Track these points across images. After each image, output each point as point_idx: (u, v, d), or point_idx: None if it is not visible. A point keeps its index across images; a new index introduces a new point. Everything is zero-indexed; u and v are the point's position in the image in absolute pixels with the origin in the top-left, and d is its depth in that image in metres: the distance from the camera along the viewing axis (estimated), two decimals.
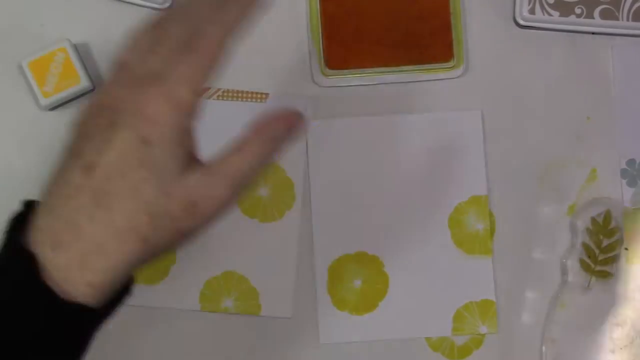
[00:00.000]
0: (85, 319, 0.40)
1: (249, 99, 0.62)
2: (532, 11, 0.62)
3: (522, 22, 0.62)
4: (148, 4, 0.62)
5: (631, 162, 0.63)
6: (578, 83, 0.63)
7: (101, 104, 0.41)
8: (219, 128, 0.62)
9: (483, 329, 0.61)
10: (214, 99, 0.62)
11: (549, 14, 0.62)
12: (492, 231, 0.62)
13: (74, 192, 0.39)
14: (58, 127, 0.62)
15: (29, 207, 0.41)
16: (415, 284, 0.61)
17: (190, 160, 0.40)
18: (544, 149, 0.63)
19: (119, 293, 0.41)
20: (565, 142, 0.63)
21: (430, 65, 0.62)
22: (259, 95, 0.62)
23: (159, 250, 0.40)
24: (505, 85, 0.63)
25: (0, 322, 0.38)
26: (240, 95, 0.62)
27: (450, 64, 0.62)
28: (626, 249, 0.60)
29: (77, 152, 0.40)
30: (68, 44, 0.60)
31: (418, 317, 0.61)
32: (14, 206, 0.60)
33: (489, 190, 0.62)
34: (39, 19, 0.62)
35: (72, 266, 0.38)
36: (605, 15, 0.62)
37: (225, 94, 0.62)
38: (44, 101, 0.60)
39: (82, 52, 0.62)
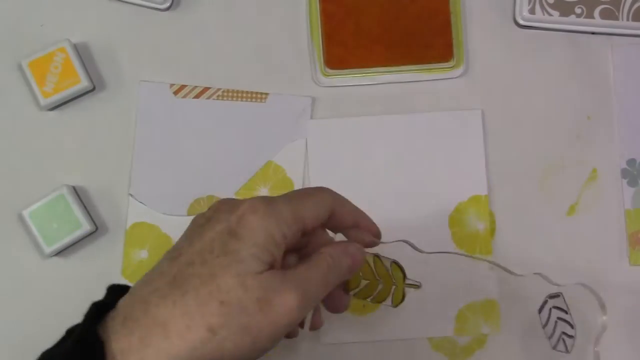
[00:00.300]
0: None
1: (249, 99, 0.62)
2: (532, 11, 0.62)
3: (522, 22, 0.62)
4: (148, 4, 0.62)
5: (631, 161, 0.63)
6: (578, 83, 0.63)
7: (205, 212, 0.44)
8: (219, 128, 0.62)
9: (485, 329, 0.61)
10: (214, 99, 0.62)
11: (549, 14, 0.62)
12: (492, 231, 0.62)
13: (156, 277, 0.42)
14: (58, 127, 0.62)
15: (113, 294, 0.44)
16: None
17: (270, 266, 0.42)
18: (544, 149, 0.63)
19: None
20: (565, 141, 0.63)
21: (430, 65, 0.62)
22: (259, 95, 0.62)
23: (227, 354, 0.40)
24: (505, 85, 0.63)
25: None
26: (240, 95, 0.62)
27: (450, 63, 0.62)
28: None
29: (171, 248, 0.43)
30: (68, 44, 0.60)
31: (420, 317, 0.61)
32: (13, 206, 0.60)
33: (489, 190, 0.62)
34: (39, 19, 0.62)
35: (134, 343, 0.39)
36: (605, 15, 0.62)
37: (225, 94, 0.62)
38: (44, 101, 0.60)
39: (82, 52, 0.62)
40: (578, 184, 0.63)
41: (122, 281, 0.60)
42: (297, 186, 0.62)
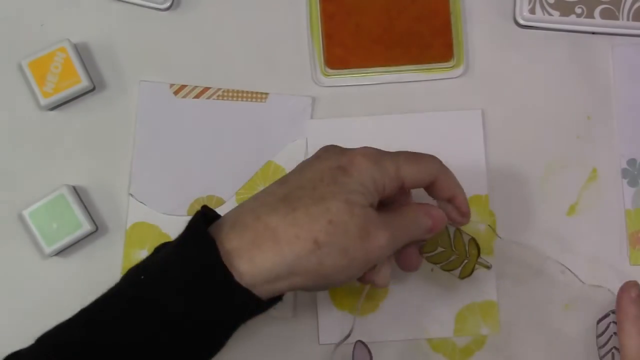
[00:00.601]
0: (248, 305, 0.44)
1: (249, 99, 0.62)
2: (532, 11, 0.62)
3: (522, 22, 0.62)
4: (148, 4, 0.62)
5: (632, 161, 0.63)
6: (578, 83, 0.63)
7: (315, 152, 0.48)
8: (219, 128, 0.62)
9: (485, 330, 0.61)
10: (214, 99, 0.62)
11: (549, 14, 0.62)
12: (493, 231, 0.62)
13: (266, 196, 0.46)
14: (58, 127, 0.62)
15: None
16: (416, 284, 0.61)
17: (370, 206, 0.46)
18: (544, 149, 0.63)
19: (273, 299, 0.46)
20: (565, 141, 0.63)
21: (430, 65, 0.62)
22: (259, 95, 0.62)
23: (324, 269, 0.44)
24: (505, 85, 0.63)
25: (187, 295, 0.42)
26: (240, 95, 0.62)
27: (450, 63, 0.62)
28: None
29: (281, 177, 0.47)
30: (68, 44, 0.60)
31: (419, 318, 0.61)
32: (13, 206, 0.60)
33: (489, 190, 0.62)
34: (39, 19, 0.62)
35: (245, 243, 0.43)
36: (605, 15, 0.62)
37: (225, 94, 0.62)
38: (44, 101, 0.60)
39: (82, 52, 0.62)
40: (578, 184, 0.63)
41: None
42: None
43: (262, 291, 0.44)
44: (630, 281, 0.56)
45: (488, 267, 0.57)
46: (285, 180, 0.46)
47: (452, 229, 0.56)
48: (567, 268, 0.59)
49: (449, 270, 0.56)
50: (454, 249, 0.56)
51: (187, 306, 0.42)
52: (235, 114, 0.62)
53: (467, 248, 0.56)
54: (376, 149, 0.48)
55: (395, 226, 0.47)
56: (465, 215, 0.52)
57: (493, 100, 0.63)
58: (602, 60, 0.64)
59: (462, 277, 0.56)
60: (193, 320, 0.43)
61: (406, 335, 0.61)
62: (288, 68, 0.63)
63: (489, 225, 0.61)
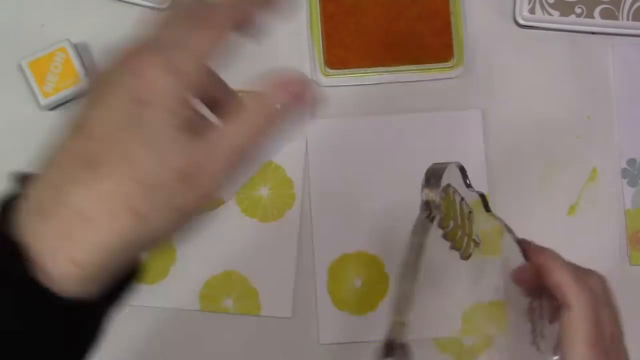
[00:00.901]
0: (75, 309, 0.35)
1: None
2: (532, 11, 0.62)
3: (522, 22, 0.62)
4: (148, 3, 0.62)
5: (632, 161, 0.63)
6: (578, 82, 0.63)
7: (105, 68, 0.38)
8: None
9: (492, 330, 0.61)
10: None
11: (549, 14, 0.62)
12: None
13: (63, 156, 0.36)
14: (58, 127, 0.62)
15: (21, 182, 0.38)
16: (421, 282, 0.61)
17: (187, 131, 0.36)
18: (544, 149, 0.63)
19: (121, 283, 0.37)
20: (565, 141, 0.63)
21: (430, 65, 0.62)
22: None
23: (156, 232, 0.36)
24: (505, 85, 0.63)
25: None
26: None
27: (450, 63, 0.62)
28: None
29: (74, 116, 0.37)
30: (68, 44, 0.60)
31: (425, 317, 0.61)
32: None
33: (489, 190, 0.62)
34: (39, 19, 0.62)
35: (54, 238, 0.34)
36: (605, 14, 0.62)
37: None
38: (44, 101, 0.60)
39: (82, 52, 0.62)
40: (578, 184, 0.63)
41: None
42: (298, 186, 0.62)
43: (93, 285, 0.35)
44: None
45: (477, 244, 0.51)
46: (79, 126, 0.36)
47: (457, 199, 0.49)
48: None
49: (457, 249, 0.51)
50: (460, 223, 0.50)
51: None
52: None
53: (467, 221, 0.50)
54: (152, 47, 0.37)
55: (230, 136, 0.37)
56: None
57: (493, 100, 0.63)
58: (602, 60, 0.64)
59: (466, 257, 0.51)
60: None
61: (411, 334, 0.61)
62: (288, 68, 0.63)
63: (481, 195, 0.52)
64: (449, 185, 0.48)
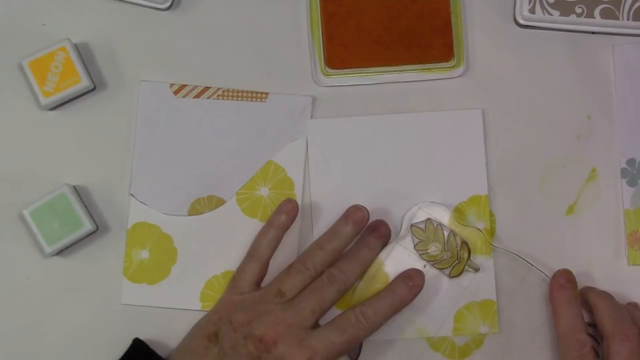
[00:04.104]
0: None
1: (249, 99, 0.62)
2: (532, 11, 0.62)
3: (522, 22, 0.62)
4: (148, 3, 0.62)
5: (631, 161, 0.63)
6: (578, 82, 0.63)
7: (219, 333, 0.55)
8: (219, 128, 0.62)
9: (484, 329, 0.61)
10: (214, 99, 0.62)
11: (549, 14, 0.62)
12: (492, 231, 0.62)
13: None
14: (59, 126, 0.62)
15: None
16: None
17: None
18: (544, 149, 0.63)
19: None
20: (565, 141, 0.63)
21: (430, 65, 0.62)
22: (259, 95, 0.62)
23: None
24: (505, 84, 0.63)
25: None
26: (240, 95, 0.62)
27: (451, 63, 0.62)
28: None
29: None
30: (68, 43, 0.60)
31: (418, 317, 0.61)
32: (14, 205, 0.60)
33: (489, 190, 0.62)
34: (40, 19, 0.62)
35: None
36: (605, 14, 0.62)
37: (226, 93, 0.62)
38: (45, 101, 0.60)
39: (83, 52, 0.62)
40: (577, 183, 0.63)
41: (124, 281, 0.61)
42: (298, 186, 0.62)
43: None
44: (559, 270, 0.60)
45: (477, 270, 0.60)
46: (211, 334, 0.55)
47: (446, 231, 0.60)
48: (548, 276, 0.61)
49: (440, 269, 0.60)
50: (446, 249, 0.60)
51: None
52: (236, 113, 0.62)
53: (458, 250, 0.60)
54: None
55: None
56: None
57: (493, 100, 0.63)
58: (602, 60, 0.64)
59: (452, 276, 0.61)
60: None
61: (405, 334, 0.61)
62: (288, 68, 0.63)
63: (482, 231, 0.61)
64: (429, 220, 0.61)
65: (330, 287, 0.56)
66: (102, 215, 0.62)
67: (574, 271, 0.61)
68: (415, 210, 0.61)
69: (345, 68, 0.62)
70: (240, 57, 0.63)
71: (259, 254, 0.58)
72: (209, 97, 0.62)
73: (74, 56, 0.60)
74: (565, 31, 0.63)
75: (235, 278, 0.58)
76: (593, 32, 0.63)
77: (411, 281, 0.57)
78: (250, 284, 0.57)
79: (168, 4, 0.62)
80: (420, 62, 0.62)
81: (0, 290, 0.61)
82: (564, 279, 0.59)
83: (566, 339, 0.57)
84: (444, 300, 0.61)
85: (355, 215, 0.58)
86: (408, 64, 0.62)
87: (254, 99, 0.62)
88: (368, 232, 0.60)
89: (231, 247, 0.61)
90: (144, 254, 0.61)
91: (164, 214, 0.61)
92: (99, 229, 0.61)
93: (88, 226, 0.59)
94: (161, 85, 0.62)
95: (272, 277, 0.59)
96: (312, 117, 0.63)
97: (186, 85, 0.62)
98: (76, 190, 0.60)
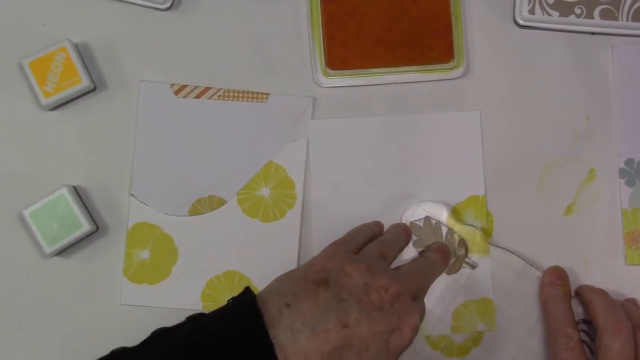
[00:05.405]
0: None
1: (249, 99, 0.62)
2: (532, 11, 0.62)
3: (522, 22, 0.62)
4: (149, 4, 0.62)
5: (630, 161, 0.63)
6: (577, 83, 0.64)
7: (371, 292, 0.51)
8: (219, 128, 0.62)
9: (482, 327, 0.62)
10: (214, 99, 0.62)
11: (549, 14, 0.62)
12: (489, 231, 0.62)
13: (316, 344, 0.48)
14: (59, 126, 0.62)
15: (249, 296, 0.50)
16: None
17: None
18: (542, 149, 0.63)
19: None
20: (564, 141, 0.63)
21: (430, 66, 0.62)
22: (259, 95, 0.62)
23: None
24: (505, 85, 0.63)
25: None
26: (240, 95, 0.62)
27: (451, 64, 0.62)
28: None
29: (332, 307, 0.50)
30: (69, 43, 0.59)
31: None
32: (14, 206, 0.60)
33: (487, 190, 0.63)
34: (40, 19, 0.62)
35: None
36: (605, 15, 0.62)
37: (226, 93, 0.62)
38: (45, 101, 0.59)
39: (83, 52, 0.61)
40: (576, 183, 0.63)
41: (124, 281, 0.61)
42: (298, 186, 0.62)
43: None
44: (550, 267, 0.61)
45: (473, 267, 0.61)
46: (343, 325, 0.49)
47: (444, 229, 0.61)
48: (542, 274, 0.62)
49: None
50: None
51: None
52: (236, 114, 0.62)
53: (456, 247, 0.61)
54: (418, 308, 0.53)
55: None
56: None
57: (493, 100, 0.63)
58: (601, 60, 0.64)
59: (449, 273, 0.62)
60: None
61: None
62: (289, 68, 0.63)
63: (479, 229, 0.62)
64: (428, 217, 0.61)
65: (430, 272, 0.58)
66: (102, 215, 0.62)
67: (572, 270, 0.61)
68: (414, 208, 0.62)
69: (346, 69, 0.62)
70: (241, 57, 0.63)
71: (374, 229, 0.60)
72: (209, 98, 0.62)
73: (74, 56, 0.59)
74: (564, 32, 0.63)
75: (346, 237, 0.58)
76: (592, 33, 0.63)
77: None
78: (358, 246, 0.57)
79: (168, 4, 0.61)
80: (421, 63, 0.62)
81: (0, 290, 0.61)
82: (554, 276, 0.60)
83: (554, 333, 0.58)
84: (442, 297, 0.62)
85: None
86: (408, 65, 0.62)
87: (255, 100, 0.62)
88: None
89: (232, 247, 0.61)
90: (145, 254, 0.61)
91: (165, 214, 0.61)
92: (99, 229, 0.61)
93: (88, 226, 0.59)
94: (162, 85, 0.62)
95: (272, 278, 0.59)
96: (312, 118, 0.63)
97: (187, 85, 0.62)
98: (76, 190, 0.60)
